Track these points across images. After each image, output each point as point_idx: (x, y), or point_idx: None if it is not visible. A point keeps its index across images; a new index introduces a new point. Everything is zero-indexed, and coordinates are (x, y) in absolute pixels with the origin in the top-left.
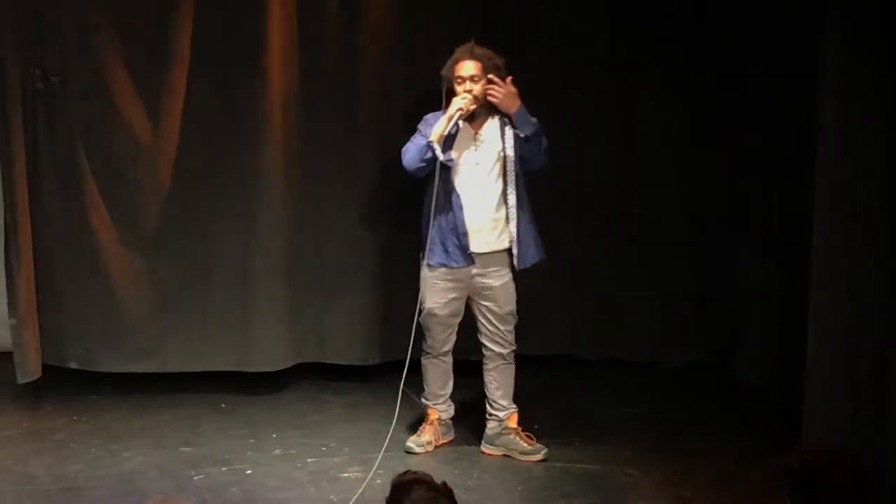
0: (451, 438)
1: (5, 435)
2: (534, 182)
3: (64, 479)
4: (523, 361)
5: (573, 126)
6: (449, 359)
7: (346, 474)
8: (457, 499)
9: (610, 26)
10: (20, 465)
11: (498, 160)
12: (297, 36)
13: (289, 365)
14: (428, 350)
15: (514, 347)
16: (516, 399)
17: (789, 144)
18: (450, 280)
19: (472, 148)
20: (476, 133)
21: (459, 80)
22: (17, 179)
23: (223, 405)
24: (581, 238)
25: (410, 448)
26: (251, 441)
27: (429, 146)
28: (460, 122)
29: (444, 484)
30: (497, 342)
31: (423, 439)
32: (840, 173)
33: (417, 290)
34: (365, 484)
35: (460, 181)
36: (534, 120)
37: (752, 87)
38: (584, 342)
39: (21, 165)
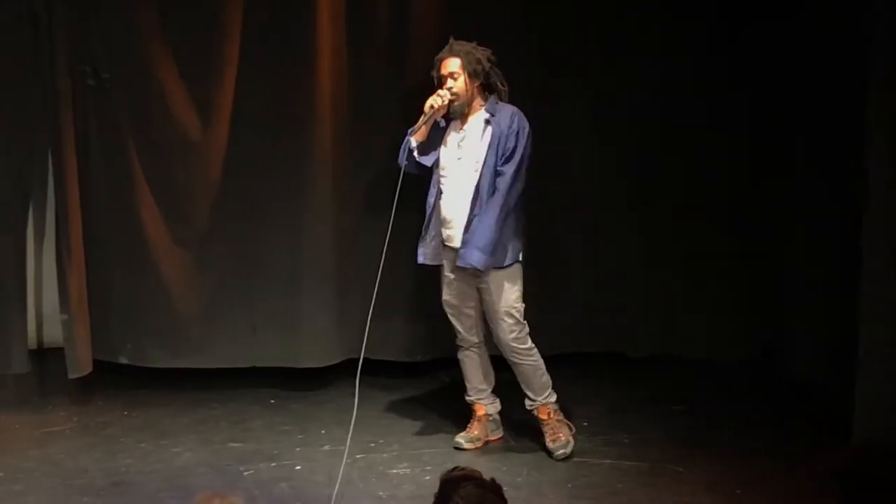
0: (500, 436)
1: (56, 429)
2: (586, 181)
3: (114, 474)
4: (574, 358)
5: (625, 127)
6: (482, 350)
7: (394, 470)
8: (505, 495)
9: (655, 24)
10: (71, 459)
11: (474, 159)
12: (346, 35)
13: (337, 361)
14: (459, 343)
15: (518, 346)
16: (566, 396)
17: (838, 141)
18: (450, 271)
19: (457, 144)
20: (461, 128)
21: (443, 79)
22: (67, 176)
23: (272, 401)
24: (632, 237)
25: (459, 444)
26: (300, 437)
27: (409, 144)
28: (441, 120)
29: (493, 480)
30: (501, 342)
31: (472, 435)
32: (891, 170)
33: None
34: (337, 487)
35: (446, 177)
36: (482, 244)
37: (801, 83)
38: (635, 340)
39: (72, 162)
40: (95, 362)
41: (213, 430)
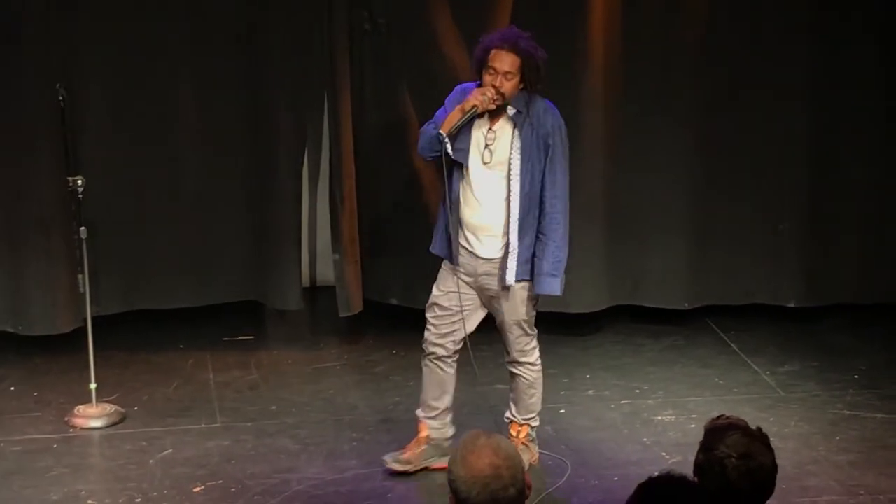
0: (442, 465)
1: (328, 366)
2: (861, 136)
3: (382, 411)
4: (847, 310)
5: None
6: (446, 366)
7: (659, 417)
8: (772, 446)
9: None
10: (341, 395)
11: (504, 164)
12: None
13: (604, 307)
14: (423, 347)
15: (522, 358)
16: (837, 347)
17: None
18: (452, 272)
19: (484, 143)
20: (491, 128)
21: (491, 71)
22: (342, 119)
23: None
24: None
25: (386, 462)
26: (565, 381)
27: (439, 138)
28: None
29: (760, 430)
30: (507, 349)
31: (401, 457)
32: None
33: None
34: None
35: (474, 183)
36: (555, 270)
37: None
38: None
39: (346, 106)
40: (366, 302)
41: (477, 372)
